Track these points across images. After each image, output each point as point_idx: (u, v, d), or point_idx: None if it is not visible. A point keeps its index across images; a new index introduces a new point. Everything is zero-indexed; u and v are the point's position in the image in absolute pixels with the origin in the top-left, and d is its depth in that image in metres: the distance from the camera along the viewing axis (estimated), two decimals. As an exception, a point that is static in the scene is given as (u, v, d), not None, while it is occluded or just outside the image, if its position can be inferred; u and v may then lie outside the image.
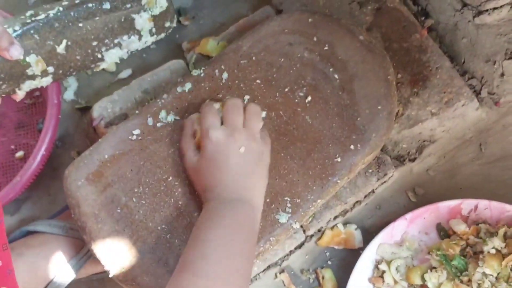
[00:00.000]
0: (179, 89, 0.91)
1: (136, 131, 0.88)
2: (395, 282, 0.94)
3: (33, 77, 0.77)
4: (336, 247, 0.99)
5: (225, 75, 0.91)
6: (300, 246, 0.97)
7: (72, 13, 0.78)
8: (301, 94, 0.90)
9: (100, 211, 0.84)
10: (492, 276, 0.88)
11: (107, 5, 0.81)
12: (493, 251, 0.89)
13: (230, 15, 1.12)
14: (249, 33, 0.94)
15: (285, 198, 0.85)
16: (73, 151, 1.08)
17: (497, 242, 0.89)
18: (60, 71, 0.79)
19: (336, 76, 0.90)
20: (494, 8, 0.91)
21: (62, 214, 1.00)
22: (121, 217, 0.84)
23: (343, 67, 0.91)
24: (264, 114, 0.89)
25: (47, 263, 0.91)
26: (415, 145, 0.99)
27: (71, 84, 1.12)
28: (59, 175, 1.06)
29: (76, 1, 0.79)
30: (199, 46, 1.04)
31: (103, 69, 1.11)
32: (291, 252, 0.97)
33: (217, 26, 1.11)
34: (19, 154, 1.07)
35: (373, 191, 0.99)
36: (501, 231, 0.91)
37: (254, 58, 0.92)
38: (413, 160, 0.99)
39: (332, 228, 0.99)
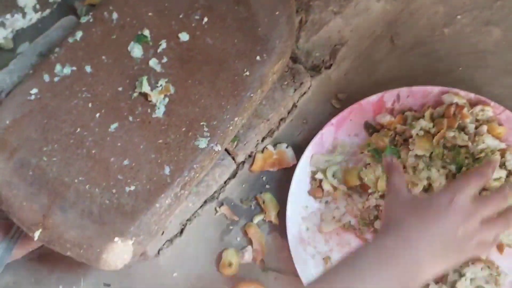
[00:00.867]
0: (70, 40, 0.87)
1: (34, 90, 0.84)
2: (334, 188, 0.92)
3: None
4: (271, 169, 0.97)
5: (115, 15, 0.87)
6: (234, 175, 0.95)
7: None
8: (197, 17, 0.87)
9: (12, 177, 0.80)
10: (425, 156, 0.87)
11: None
12: (421, 132, 0.88)
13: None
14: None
15: (201, 124, 0.82)
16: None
17: (424, 123, 0.88)
18: None
19: (228, -10, 0.87)
20: None
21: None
22: (35, 179, 0.80)
23: (233, -19, 0.88)
24: (164, 44, 0.85)
25: None
26: (328, 51, 0.97)
27: (-32, 69, 1.06)
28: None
29: None
30: (86, 0, 1.00)
31: (0, 48, 1.06)
32: (226, 183, 0.95)
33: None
34: None
35: (295, 106, 0.96)
36: (427, 113, 0.90)
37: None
38: (329, 67, 0.97)
39: (262, 151, 0.96)
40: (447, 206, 0.70)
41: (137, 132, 0.82)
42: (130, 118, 0.83)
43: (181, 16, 0.87)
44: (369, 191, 0.90)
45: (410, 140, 0.88)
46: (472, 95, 0.90)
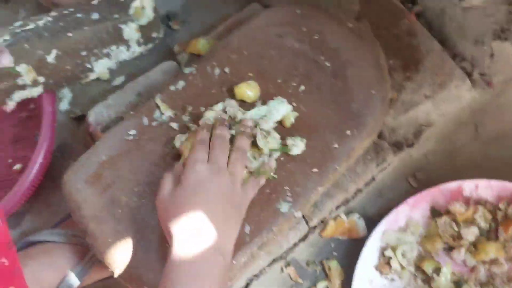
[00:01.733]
0: (172, 88, 0.91)
1: (132, 131, 0.88)
2: (402, 267, 0.94)
3: (24, 87, 0.76)
4: (340, 237, 0.99)
5: (217, 71, 0.92)
6: (304, 238, 0.97)
7: (60, 23, 0.78)
8: (294, 84, 0.90)
9: (101, 212, 0.83)
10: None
11: (95, 16, 0.82)
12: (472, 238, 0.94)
13: (219, 17, 1.13)
14: (238, 29, 0.95)
15: (285, 188, 0.85)
16: (72, 160, 1.07)
17: (476, 232, 0.93)
18: (51, 81, 0.78)
19: (327, 64, 0.91)
20: (479, -11, 0.92)
21: (63, 223, 1.00)
22: (123, 217, 0.83)
23: (334, 54, 0.91)
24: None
25: (52, 272, 0.90)
26: (412, 130, 0.99)
27: (66, 95, 1.12)
28: (59, 186, 1.05)
29: (65, 12, 0.79)
30: (190, 46, 1.04)
31: (97, 78, 1.12)
32: (295, 244, 0.97)
33: (207, 28, 1.12)
34: (17, 167, 1.07)
35: (373, 179, 0.99)
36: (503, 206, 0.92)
37: (245, 52, 0.92)
38: (412, 145, 0.99)
39: (335, 218, 0.98)
40: (207, 180, 0.74)
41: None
42: None
43: (279, 80, 0.91)
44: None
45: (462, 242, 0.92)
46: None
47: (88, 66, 0.81)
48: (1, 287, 0.63)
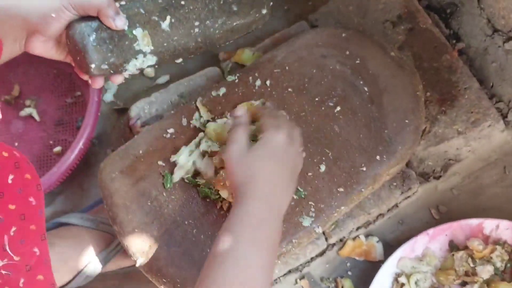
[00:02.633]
0: (213, 93, 0.94)
1: (171, 130, 0.92)
2: (414, 295, 0.95)
3: (139, 53, 0.76)
4: (357, 258, 1.01)
5: (258, 82, 0.95)
6: (321, 253, 0.99)
7: None
8: (331, 104, 0.93)
9: (132, 203, 0.87)
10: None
11: None
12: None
13: (266, 30, 1.16)
14: (284, 45, 0.98)
15: (310, 203, 0.87)
16: (108, 149, 1.12)
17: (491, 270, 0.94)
18: (163, 51, 0.77)
19: (366, 89, 0.93)
20: (524, 34, 0.93)
21: (94, 209, 1.04)
22: (151, 210, 0.87)
23: (373, 80, 0.94)
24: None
25: (78, 255, 0.95)
26: (441, 163, 1.00)
27: (111, 87, 1.17)
28: (94, 171, 1.10)
29: None
30: (235, 55, 1.08)
31: (142, 74, 1.16)
32: (312, 259, 0.99)
33: (253, 39, 1.15)
34: (57, 149, 1.12)
35: (396, 205, 1.00)
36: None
37: (287, 68, 0.96)
38: (438, 178, 1.01)
39: (354, 239, 1.00)
40: (284, 144, 0.78)
41: None
42: None
43: (317, 99, 0.93)
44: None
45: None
46: None
47: (199, 40, 0.80)
48: (31, 274, 0.66)
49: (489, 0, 0.97)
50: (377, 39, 0.98)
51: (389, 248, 0.99)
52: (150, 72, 1.17)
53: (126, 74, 0.78)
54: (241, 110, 0.83)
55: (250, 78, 0.95)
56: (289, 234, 0.86)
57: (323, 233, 0.97)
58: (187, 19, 0.78)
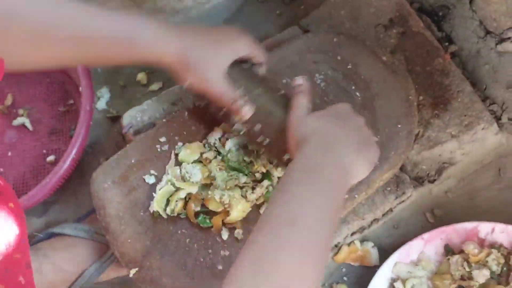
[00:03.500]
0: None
1: (163, 139, 0.92)
2: (410, 300, 0.95)
3: None
4: (352, 263, 1.00)
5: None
6: (316, 260, 0.99)
7: None
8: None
9: (125, 213, 0.87)
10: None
11: None
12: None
13: (259, 36, 1.16)
14: (276, 50, 0.98)
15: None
16: (102, 158, 1.11)
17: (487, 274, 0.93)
18: None
19: (358, 94, 0.93)
20: (517, 36, 0.93)
21: (88, 218, 1.03)
22: (144, 219, 0.87)
23: (366, 86, 0.93)
24: None
25: (72, 265, 0.94)
26: (435, 167, 1.00)
27: (104, 95, 1.16)
28: (87, 180, 1.08)
29: None
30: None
31: (136, 81, 1.16)
32: (307, 265, 0.99)
33: (246, 45, 1.14)
34: (50, 158, 1.12)
35: (391, 210, 1.00)
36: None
37: (279, 73, 0.95)
38: (433, 181, 1.01)
39: (349, 244, 1.00)
40: (348, 113, 0.77)
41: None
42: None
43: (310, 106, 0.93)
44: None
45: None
46: None
47: None
48: None
49: (480, 3, 0.96)
50: (369, 44, 0.97)
51: (385, 253, 0.99)
52: (143, 79, 1.17)
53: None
54: (301, 79, 0.82)
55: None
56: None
57: (318, 239, 0.96)
58: None
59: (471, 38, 1.02)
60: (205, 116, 0.92)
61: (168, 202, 0.86)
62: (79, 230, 0.97)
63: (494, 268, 0.94)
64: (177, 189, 0.86)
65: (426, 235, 0.96)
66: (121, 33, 0.75)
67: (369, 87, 0.93)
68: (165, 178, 0.88)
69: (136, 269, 0.84)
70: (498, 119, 1.01)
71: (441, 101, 1.00)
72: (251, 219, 0.86)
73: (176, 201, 0.85)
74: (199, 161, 0.89)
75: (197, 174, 0.87)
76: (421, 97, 1.00)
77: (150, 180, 0.89)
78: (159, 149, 0.91)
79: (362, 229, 1.00)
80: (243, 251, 0.60)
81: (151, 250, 0.85)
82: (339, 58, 0.95)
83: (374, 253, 1.00)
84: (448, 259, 0.96)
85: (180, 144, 0.91)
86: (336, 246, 1.00)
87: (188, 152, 0.89)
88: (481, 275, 0.93)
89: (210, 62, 0.80)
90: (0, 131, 1.16)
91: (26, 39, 0.70)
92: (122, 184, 0.89)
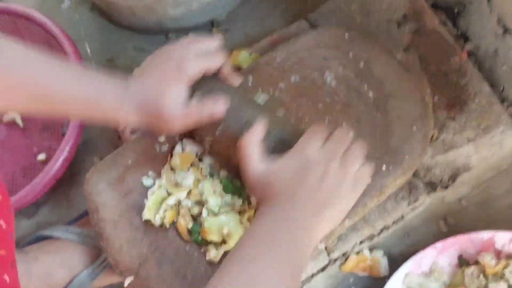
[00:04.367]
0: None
1: (162, 138, 0.86)
2: (421, 313, 0.90)
3: None
4: (360, 273, 0.95)
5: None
6: (323, 269, 0.93)
7: None
8: (334, 114, 0.87)
9: (120, 217, 0.82)
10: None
11: None
12: None
13: (264, 30, 1.11)
14: (283, 46, 0.92)
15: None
16: (96, 157, 1.06)
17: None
18: None
19: (370, 94, 0.87)
20: (537, 35, 0.88)
21: (80, 221, 0.99)
22: (141, 224, 0.82)
23: (379, 85, 0.88)
24: None
25: (63, 270, 0.91)
26: (449, 172, 0.95)
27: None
28: (80, 180, 1.05)
29: None
30: (230, 57, 1.02)
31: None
32: (313, 275, 0.93)
33: (250, 40, 1.09)
34: (41, 156, 1.06)
35: (402, 217, 0.95)
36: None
37: (287, 71, 0.90)
38: (446, 187, 0.95)
39: (357, 253, 0.95)
40: (301, 166, 0.71)
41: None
42: None
43: (320, 105, 0.87)
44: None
45: None
46: None
47: None
48: None
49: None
50: (382, 41, 0.92)
51: (394, 263, 0.94)
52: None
53: None
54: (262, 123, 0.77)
55: (247, 82, 0.89)
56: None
57: (325, 248, 0.91)
58: None
59: (488, 36, 0.97)
60: None
61: None
62: (70, 233, 0.93)
63: None
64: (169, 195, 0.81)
65: (439, 244, 0.91)
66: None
67: (382, 87, 0.88)
68: (157, 182, 0.83)
69: (132, 277, 0.79)
70: (516, 122, 0.96)
71: (457, 102, 0.94)
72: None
73: (165, 210, 0.80)
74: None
75: (189, 177, 0.82)
76: (436, 98, 0.95)
77: (148, 182, 0.84)
78: (157, 150, 0.86)
79: (371, 237, 0.95)
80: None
81: (148, 257, 0.80)
82: (350, 55, 0.90)
83: (383, 263, 0.95)
84: (463, 270, 0.91)
85: (179, 147, 0.85)
86: (343, 255, 0.94)
87: (178, 162, 0.84)
88: None
89: (166, 103, 0.74)
90: (-11, 128, 1.10)
91: None
92: (117, 187, 0.84)
